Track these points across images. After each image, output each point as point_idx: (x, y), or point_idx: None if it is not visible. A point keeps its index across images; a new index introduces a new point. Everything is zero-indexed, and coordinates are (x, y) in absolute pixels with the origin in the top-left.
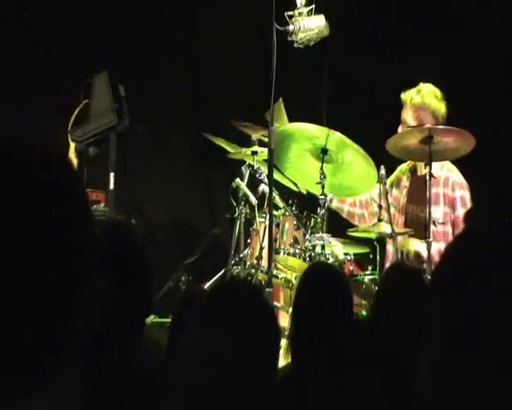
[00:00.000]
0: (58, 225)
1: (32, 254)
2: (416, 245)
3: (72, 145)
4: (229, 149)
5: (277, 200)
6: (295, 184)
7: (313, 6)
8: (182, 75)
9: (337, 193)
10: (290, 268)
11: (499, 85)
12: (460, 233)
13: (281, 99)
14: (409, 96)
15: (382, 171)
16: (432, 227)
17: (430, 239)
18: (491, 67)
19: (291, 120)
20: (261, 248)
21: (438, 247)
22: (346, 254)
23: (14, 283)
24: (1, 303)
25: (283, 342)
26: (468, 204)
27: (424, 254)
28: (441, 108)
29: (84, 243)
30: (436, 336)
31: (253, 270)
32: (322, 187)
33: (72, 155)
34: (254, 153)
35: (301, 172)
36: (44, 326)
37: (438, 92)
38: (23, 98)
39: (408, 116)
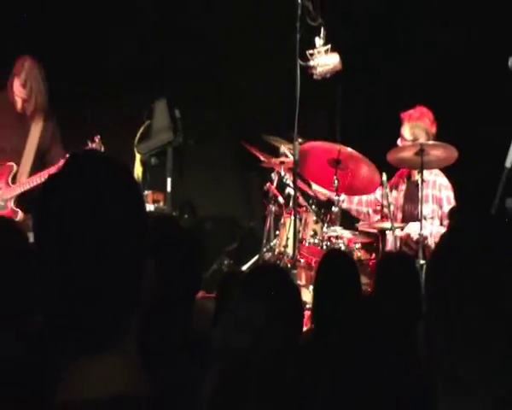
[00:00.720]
0: (141, 213)
1: (141, 240)
2: (410, 228)
3: (138, 156)
4: (262, 158)
5: (300, 200)
6: (309, 186)
7: (329, 46)
8: (225, 100)
9: (347, 193)
10: (310, 254)
11: (478, 110)
12: (449, 227)
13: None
14: (407, 115)
15: (384, 177)
16: (423, 221)
17: (422, 231)
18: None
19: (311, 136)
20: (287, 239)
21: (427, 229)
22: (355, 242)
23: (118, 254)
24: (104, 273)
25: (306, 313)
26: (452, 202)
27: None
28: (432, 127)
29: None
30: (432, 306)
31: (281, 256)
32: (336, 189)
33: (137, 164)
34: (282, 162)
35: (319, 178)
36: (130, 290)
37: (430, 114)
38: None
39: (405, 132)
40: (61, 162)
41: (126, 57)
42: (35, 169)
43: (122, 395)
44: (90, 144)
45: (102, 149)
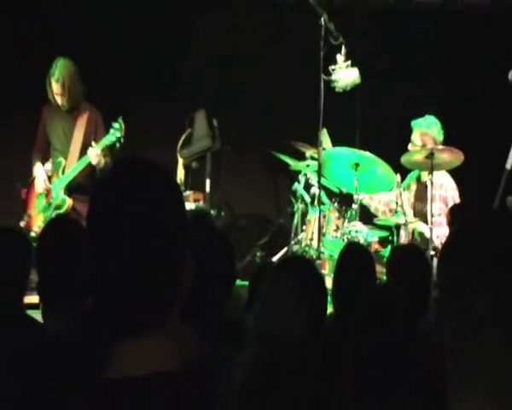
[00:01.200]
0: (182, 210)
1: (184, 235)
2: (421, 226)
3: (181, 161)
4: (290, 162)
5: (324, 198)
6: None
7: (349, 62)
8: (257, 110)
9: (366, 191)
10: (333, 247)
11: (482, 116)
12: (450, 224)
13: (325, 129)
14: (417, 124)
15: (398, 178)
16: (433, 222)
17: (431, 226)
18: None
19: (333, 141)
20: (312, 233)
21: (435, 231)
22: (372, 236)
23: (163, 245)
24: (154, 259)
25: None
26: (457, 200)
27: (426, 234)
28: (440, 135)
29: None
30: (444, 294)
31: (307, 248)
32: (356, 189)
33: (180, 167)
34: (308, 165)
35: (341, 179)
36: (172, 279)
37: (438, 123)
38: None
39: (416, 138)
40: (84, 162)
41: (170, 70)
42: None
43: (162, 373)
44: (112, 126)
45: (122, 131)
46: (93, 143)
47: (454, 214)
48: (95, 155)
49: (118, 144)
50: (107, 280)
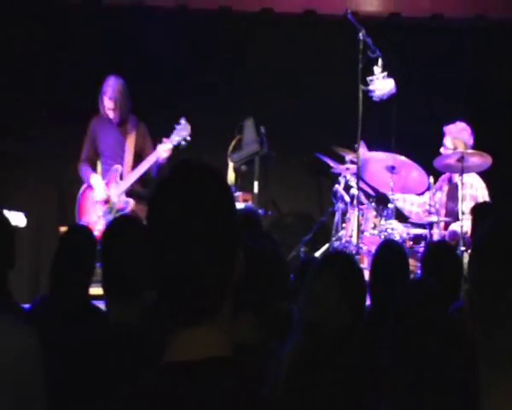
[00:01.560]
0: (233, 210)
1: (235, 233)
2: (452, 225)
3: (231, 164)
4: (332, 164)
5: (362, 198)
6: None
7: (385, 73)
8: (302, 117)
9: (402, 192)
10: (370, 243)
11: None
12: (473, 222)
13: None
14: (449, 129)
15: (431, 179)
16: (462, 216)
17: (462, 223)
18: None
19: (371, 146)
20: (352, 230)
21: (465, 228)
22: (407, 234)
23: (222, 242)
24: (215, 255)
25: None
26: (486, 200)
27: (458, 231)
28: (469, 140)
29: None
30: (475, 284)
31: (347, 244)
32: (392, 190)
33: (231, 170)
34: (348, 168)
35: (378, 181)
36: (225, 274)
37: (468, 129)
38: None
39: (448, 143)
40: (152, 156)
41: (222, 83)
42: (134, 166)
43: (215, 357)
44: (176, 126)
45: (188, 130)
46: (164, 140)
47: (476, 213)
48: (166, 149)
49: (183, 142)
50: (167, 275)
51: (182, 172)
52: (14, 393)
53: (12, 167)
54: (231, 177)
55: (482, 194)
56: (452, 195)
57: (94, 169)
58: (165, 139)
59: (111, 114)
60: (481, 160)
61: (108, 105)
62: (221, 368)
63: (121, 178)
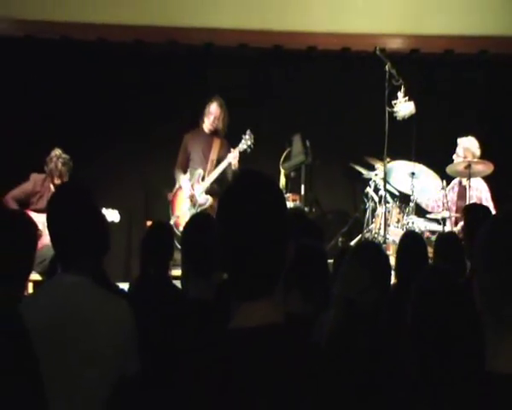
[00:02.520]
0: (284, 207)
1: (286, 226)
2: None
3: (282, 171)
4: (363, 171)
5: (388, 198)
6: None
7: (407, 97)
8: (340, 133)
9: (420, 193)
10: (395, 234)
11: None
12: (465, 221)
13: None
14: (461, 141)
15: (444, 183)
16: None
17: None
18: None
19: (395, 157)
20: (380, 224)
21: None
22: (425, 226)
23: (279, 236)
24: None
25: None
26: (489, 200)
27: None
28: (478, 151)
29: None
30: (479, 266)
31: (376, 235)
32: (412, 191)
33: (282, 176)
34: (376, 174)
35: (401, 184)
36: (279, 259)
37: (476, 142)
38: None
39: (460, 151)
40: (225, 162)
41: (276, 105)
42: (213, 170)
43: (270, 324)
44: (243, 137)
45: (252, 139)
46: (231, 150)
47: (466, 212)
48: (234, 156)
49: (248, 150)
50: (234, 259)
51: (245, 178)
52: (116, 354)
53: (108, 174)
54: (283, 181)
55: (485, 195)
56: (461, 195)
57: (184, 173)
58: (232, 149)
59: (211, 127)
60: (485, 167)
61: (213, 120)
62: (274, 331)
63: (203, 179)
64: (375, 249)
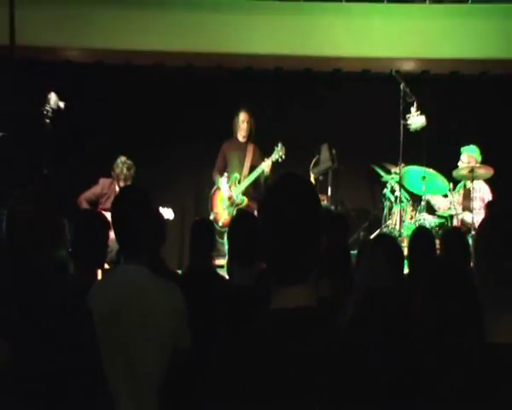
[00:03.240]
0: (319, 205)
1: (320, 223)
2: (465, 217)
3: (312, 176)
4: (382, 174)
5: (403, 198)
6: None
7: (419, 112)
8: (361, 143)
9: (431, 194)
10: (408, 229)
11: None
12: (487, 215)
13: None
14: (465, 149)
15: (450, 185)
16: (474, 213)
17: (472, 215)
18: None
19: (409, 162)
20: (396, 220)
21: (475, 218)
22: (434, 223)
23: (312, 232)
24: (308, 242)
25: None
26: (490, 199)
27: (470, 221)
28: (479, 157)
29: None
30: (478, 255)
31: (393, 230)
32: (424, 192)
33: (312, 180)
34: (393, 177)
35: (414, 186)
36: (314, 251)
37: (477, 151)
38: (291, 158)
39: (464, 158)
40: (259, 169)
41: (307, 120)
42: (248, 174)
43: (304, 306)
44: (276, 148)
45: (283, 151)
46: (265, 159)
47: (488, 207)
48: (267, 165)
49: (280, 160)
50: (275, 251)
51: (285, 180)
52: (173, 331)
53: (165, 178)
54: None
55: (487, 196)
56: (466, 196)
57: (222, 176)
58: (266, 159)
59: (244, 134)
60: (486, 171)
61: (244, 129)
62: (307, 312)
63: (239, 182)
64: (390, 242)
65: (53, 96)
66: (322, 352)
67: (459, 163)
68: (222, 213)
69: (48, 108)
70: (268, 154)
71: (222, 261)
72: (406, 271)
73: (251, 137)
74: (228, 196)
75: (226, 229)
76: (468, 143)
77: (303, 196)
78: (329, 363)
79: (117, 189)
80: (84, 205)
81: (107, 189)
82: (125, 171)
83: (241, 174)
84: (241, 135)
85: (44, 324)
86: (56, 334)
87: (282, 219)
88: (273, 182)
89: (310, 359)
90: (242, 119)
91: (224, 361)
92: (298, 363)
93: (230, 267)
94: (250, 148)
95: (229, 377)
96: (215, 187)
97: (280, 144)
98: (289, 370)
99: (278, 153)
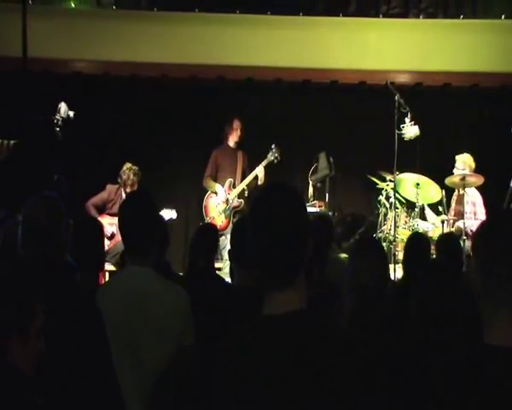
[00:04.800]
0: (305, 211)
1: (306, 227)
2: (458, 222)
3: (310, 183)
4: (378, 182)
5: (397, 204)
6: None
7: (413, 122)
8: (358, 151)
9: (424, 201)
10: (403, 234)
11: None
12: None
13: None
14: (460, 157)
15: (443, 192)
16: (465, 217)
17: (464, 221)
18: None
19: (404, 170)
20: (391, 226)
21: (467, 223)
22: (427, 227)
23: (301, 237)
24: (298, 245)
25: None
26: (482, 205)
27: (461, 227)
28: (473, 164)
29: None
30: (478, 257)
31: (387, 235)
32: (417, 199)
33: (311, 187)
34: (388, 185)
35: (408, 193)
36: (300, 255)
37: (471, 158)
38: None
39: (459, 165)
40: (253, 172)
41: (305, 129)
42: (242, 179)
43: (295, 310)
44: (270, 149)
45: (278, 152)
46: (259, 165)
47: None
48: (260, 170)
49: (275, 161)
50: (263, 254)
51: (273, 188)
52: (179, 331)
53: (170, 182)
54: (311, 191)
55: (479, 201)
56: (459, 202)
57: (215, 182)
58: (260, 165)
59: (233, 145)
60: (477, 179)
61: (238, 135)
62: (298, 317)
63: (234, 186)
64: (375, 245)
65: (63, 106)
66: (315, 359)
67: (454, 170)
68: (218, 217)
69: (58, 117)
70: (264, 158)
71: (219, 264)
72: (401, 275)
73: (240, 144)
74: (225, 199)
75: (223, 232)
76: (460, 152)
77: (289, 201)
78: (330, 364)
79: (123, 194)
80: (92, 210)
81: (113, 195)
82: (131, 177)
83: (234, 179)
84: (234, 141)
85: (59, 323)
86: (70, 333)
87: (268, 226)
88: (261, 190)
89: (300, 369)
90: (236, 126)
91: (217, 367)
92: (286, 375)
93: (231, 269)
94: (240, 154)
95: (222, 382)
96: (208, 192)
97: (274, 145)
98: (276, 381)
99: (274, 154)
